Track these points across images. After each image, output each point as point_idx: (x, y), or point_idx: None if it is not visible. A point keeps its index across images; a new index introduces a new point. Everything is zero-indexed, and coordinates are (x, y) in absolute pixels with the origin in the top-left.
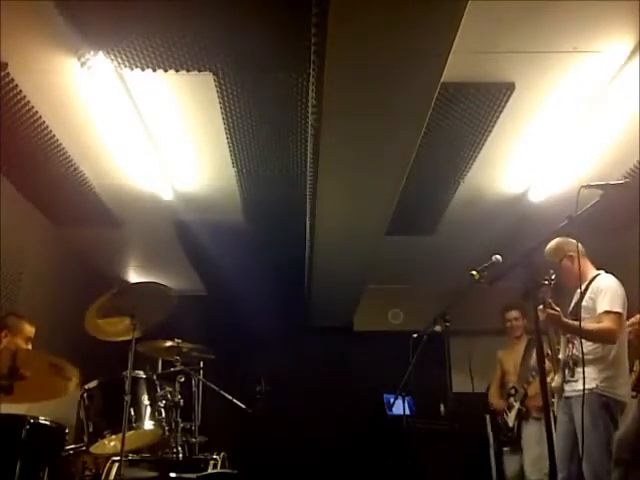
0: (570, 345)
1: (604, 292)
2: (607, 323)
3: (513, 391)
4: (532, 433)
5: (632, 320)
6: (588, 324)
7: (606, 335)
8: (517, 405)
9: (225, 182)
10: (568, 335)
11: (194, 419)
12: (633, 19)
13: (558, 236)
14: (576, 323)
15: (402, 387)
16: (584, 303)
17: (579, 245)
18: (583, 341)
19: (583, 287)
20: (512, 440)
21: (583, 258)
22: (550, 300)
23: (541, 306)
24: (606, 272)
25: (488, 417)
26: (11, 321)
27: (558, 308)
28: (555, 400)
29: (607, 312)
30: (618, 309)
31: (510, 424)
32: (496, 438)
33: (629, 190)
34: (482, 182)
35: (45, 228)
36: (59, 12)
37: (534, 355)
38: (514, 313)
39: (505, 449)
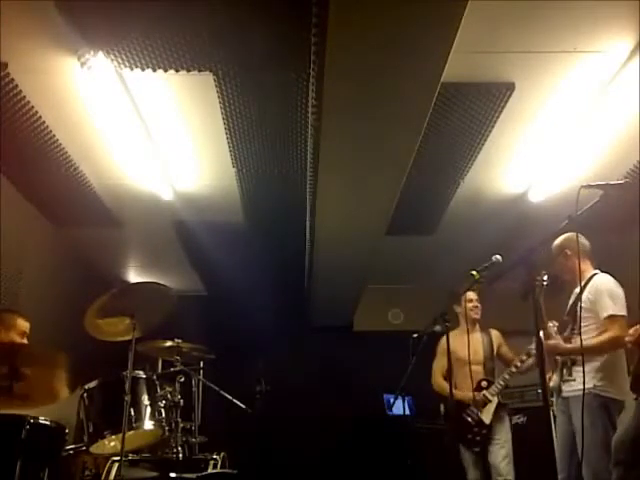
0: (569, 342)
1: (604, 294)
2: (612, 332)
3: (485, 384)
4: (506, 429)
5: (631, 331)
6: (591, 340)
7: (613, 344)
8: (496, 399)
9: (225, 182)
10: (565, 333)
11: (194, 419)
12: (633, 19)
13: (559, 235)
14: (577, 345)
15: (402, 387)
16: (582, 304)
17: (581, 243)
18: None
19: (578, 288)
20: (483, 439)
21: (581, 256)
22: (549, 330)
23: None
24: (602, 271)
25: (443, 408)
26: (4, 316)
27: (558, 337)
28: (554, 399)
29: (611, 317)
30: (622, 312)
31: (487, 421)
32: (461, 437)
33: (629, 190)
34: (482, 182)
35: (45, 228)
36: (59, 12)
37: (495, 347)
38: (473, 295)
39: (475, 450)
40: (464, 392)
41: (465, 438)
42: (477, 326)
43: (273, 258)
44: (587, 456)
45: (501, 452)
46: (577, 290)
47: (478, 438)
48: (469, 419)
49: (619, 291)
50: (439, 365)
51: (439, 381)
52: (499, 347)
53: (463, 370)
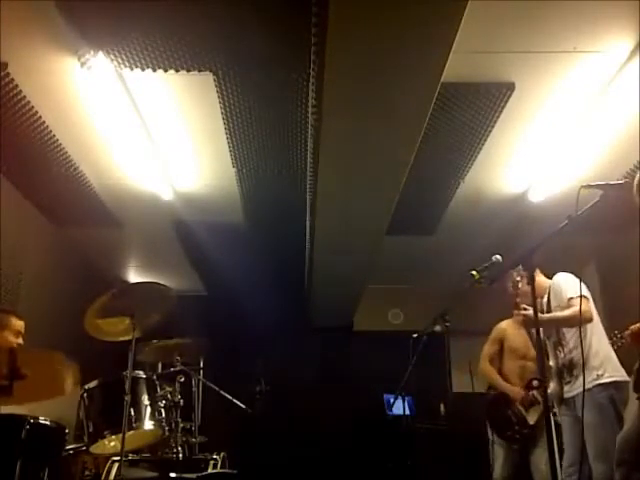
0: (560, 347)
1: (559, 286)
2: (577, 307)
3: (537, 383)
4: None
5: (631, 328)
6: (561, 312)
7: (577, 317)
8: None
9: (225, 182)
10: (553, 340)
11: (194, 419)
12: (633, 19)
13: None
14: (550, 314)
15: (402, 387)
16: (552, 304)
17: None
18: (565, 348)
19: (545, 298)
20: (524, 438)
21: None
22: (518, 300)
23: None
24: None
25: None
26: None
27: (529, 307)
28: (556, 409)
29: (571, 298)
30: (581, 292)
31: (531, 422)
32: (499, 430)
33: (629, 190)
34: (482, 182)
35: (45, 228)
36: (59, 12)
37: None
38: None
39: (513, 446)
40: (513, 387)
41: (504, 434)
42: None
43: (273, 258)
44: (602, 453)
45: (545, 455)
46: (545, 300)
47: (518, 436)
48: (512, 416)
49: (574, 279)
50: (489, 352)
51: (487, 367)
52: None
53: (515, 363)
